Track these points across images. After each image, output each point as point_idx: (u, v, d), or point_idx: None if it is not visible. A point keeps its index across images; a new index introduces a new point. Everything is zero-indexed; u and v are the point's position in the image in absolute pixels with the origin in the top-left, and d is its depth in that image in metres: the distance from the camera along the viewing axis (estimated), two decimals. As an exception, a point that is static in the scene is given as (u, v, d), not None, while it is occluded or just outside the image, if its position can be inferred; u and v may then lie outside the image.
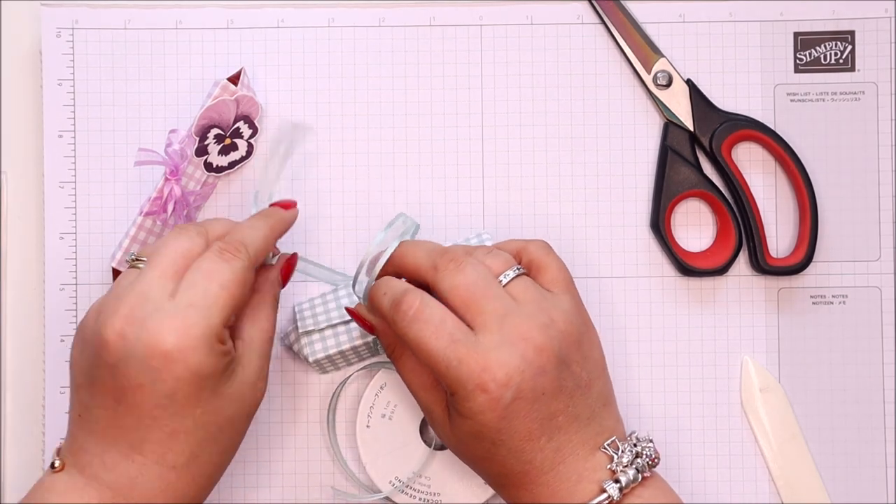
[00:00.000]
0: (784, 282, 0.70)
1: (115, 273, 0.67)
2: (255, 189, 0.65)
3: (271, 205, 0.64)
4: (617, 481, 0.56)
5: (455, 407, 0.57)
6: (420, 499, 0.68)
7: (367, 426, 0.68)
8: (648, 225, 0.70)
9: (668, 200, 0.69)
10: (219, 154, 0.68)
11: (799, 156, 0.69)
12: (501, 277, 0.59)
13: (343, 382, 0.69)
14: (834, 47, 0.71)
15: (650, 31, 0.70)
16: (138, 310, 0.56)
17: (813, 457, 0.70)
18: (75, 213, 0.69)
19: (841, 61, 0.71)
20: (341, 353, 0.66)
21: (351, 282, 0.67)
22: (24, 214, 0.70)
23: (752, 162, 0.71)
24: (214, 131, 0.67)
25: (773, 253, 0.70)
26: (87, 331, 0.57)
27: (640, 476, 0.57)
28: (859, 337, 0.70)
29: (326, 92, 0.70)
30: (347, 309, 0.64)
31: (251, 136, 0.69)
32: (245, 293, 0.59)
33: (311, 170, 0.70)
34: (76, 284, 0.69)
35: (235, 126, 0.67)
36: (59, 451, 0.58)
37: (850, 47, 0.71)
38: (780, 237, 0.71)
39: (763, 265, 0.68)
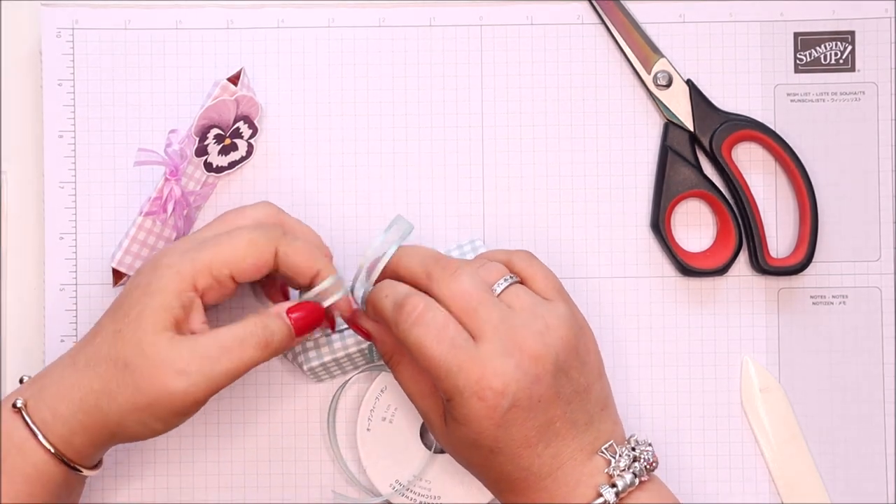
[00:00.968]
0: (784, 282, 0.70)
1: (115, 273, 0.67)
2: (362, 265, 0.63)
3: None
4: (613, 486, 0.56)
5: (451, 413, 0.57)
6: (420, 502, 0.68)
7: (368, 429, 0.68)
8: (648, 225, 0.70)
9: (668, 200, 0.69)
10: (219, 154, 0.68)
11: (799, 156, 0.69)
12: (495, 287, 0.59)
13: (343, 385, 0.69)
14: (834, 47, 0.71)
15: (650, 31, 0.70)
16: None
17: (813, 457, 0.70)
18: (75, 213, 0.69)
19: (841, 61, 0.71)
20: (336, 360, 0.66)
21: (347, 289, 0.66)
22: (24, 214, 0.70)
23: (752, 162, 0.71)
24: (214, 131, 0.67)
25: (773, 253, 0.70)
26: None
27: (637, 480, 0.57)
28: (859, 337, 0.70)
29: (326, 92, 0.70)
30: (344, 317, 0.63)
31: (251, 137, 0.69)
32: (251, 255, 0.59)
33: (311, 170, 0.70)
34: (76, 284, 0.69)
35: (235, 126, 0.67)
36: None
37: (850, 47, 0.71)
38: (780, 237, 0.71)
39: (763, 265, 0.68)
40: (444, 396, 0.58)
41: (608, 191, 0.70)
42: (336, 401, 0.69)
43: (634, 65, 0.70)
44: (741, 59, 0.71)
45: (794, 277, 0.70)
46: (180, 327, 0.58)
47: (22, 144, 0.70)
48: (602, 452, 0.58)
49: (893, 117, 0.70)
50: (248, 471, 0.69)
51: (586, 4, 0.71)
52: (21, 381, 0.62)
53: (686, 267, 0.69)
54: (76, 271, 0.69)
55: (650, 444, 0.59)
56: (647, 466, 0.58)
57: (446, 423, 0.59)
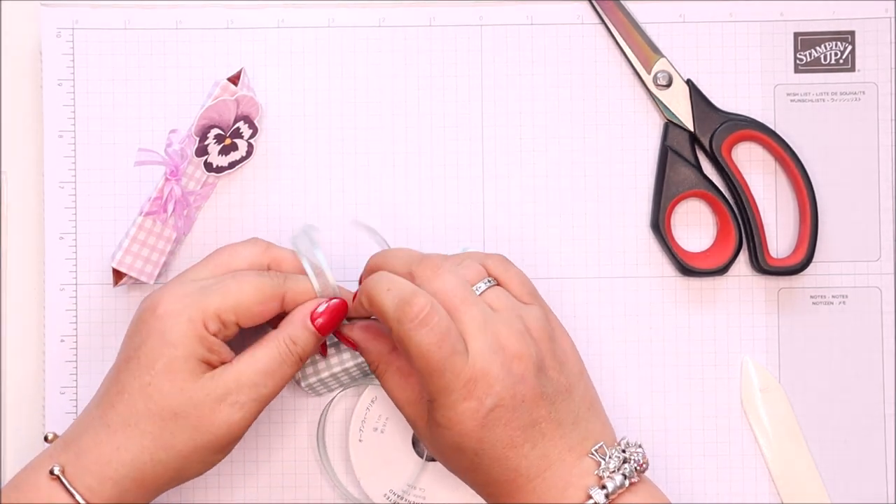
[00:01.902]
0: (784, 282, 0.70)
1: (115, 273, 0.67)
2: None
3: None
4: (603, 487, 0.56)
5: (434, 418, 0.57)
6: None
7: (360, 440, 0.68)
8: (648, 225, 0.70)
9: (668, 200, 0.69)
10: (219, 154, 0.68)
11: (799, 156, 0.69)
12: (475, 288, 0.59)
13: (331, 400, 0.69)
14: (834, 47, 0.71)
15: (650, 31, 0.70)
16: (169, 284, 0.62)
17: (813, 457, 0.70)
18: (75, 213, 0.69)
19: (841, 61, 0.71)
20: (333, 374, 0.66)
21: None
22: (24, 214, 0.70)
23: (752, 162, 0.71)
24: (214, 131, 0.67)
25: (773, 253, 0.70)
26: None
27: (627, 482, 0.57)
28: (859, 337, 0.70)
29: (326, 92, 0.70)
30: (335, 331, 0.63)
31: (251, 136, 0.69)
32: (258, 303, 0.60)
33: (311, 170, 0.70)
34: (76, 284, 0.69)
35: (235, 126, 0.67)
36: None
37: (850, 47, 0.71)
38: (780, 237, 0.71)
39: (763, 265, 0.68)
40: (428, 398, 0.58)
41: (608, 191, 0.70)
42: (325, 415, 0.69)
43: (634, 65, 0.70)
44: (741, 59, 0.71)
45: (794, 277, 0.70)
46: (212, 364, 0.60)
47: (22, 144, 0.70)
48: (592, 454, 0.57)
49: (893, 117, 0.70)
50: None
51: (586, 4, 0.71)
52: (46, 438, 0.62)
53: (686, 267, 0.69)
54: (76, 271, 0.69)
55: (640, 446, 0.58)
56: (638, 468, 0.58)
57: (431, 434, 0.59)
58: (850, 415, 0.70)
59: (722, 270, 0.69)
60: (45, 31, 0.69)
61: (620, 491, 0.56)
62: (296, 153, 0.70)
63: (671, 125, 0.70)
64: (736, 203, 0.69)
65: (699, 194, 0.70)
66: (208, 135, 0.67)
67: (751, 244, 0.69)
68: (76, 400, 0.69)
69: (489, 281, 0.60)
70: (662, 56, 0.70)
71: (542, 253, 0.70)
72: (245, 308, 0.60)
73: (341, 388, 0.68)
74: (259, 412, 0.60)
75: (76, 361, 0.69)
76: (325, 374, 0.66)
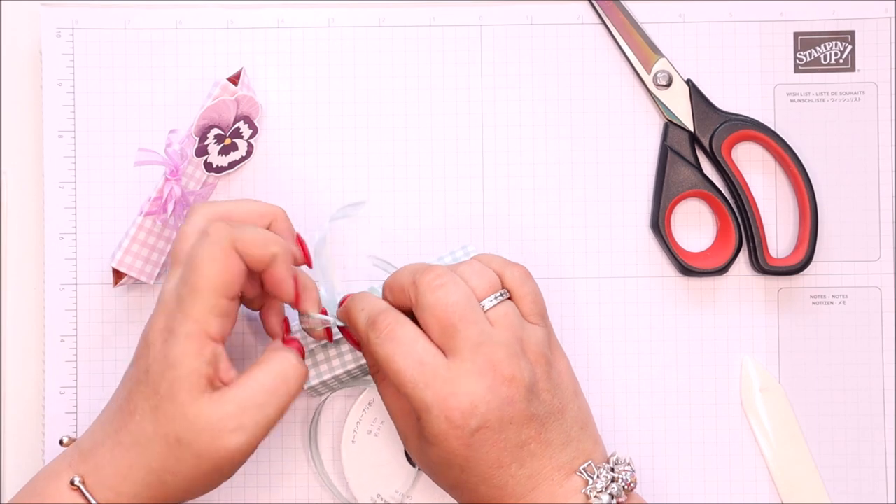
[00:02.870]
0: (784, 282, 0.70)
1: (115, 273, 0.67)
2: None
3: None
4: None
5: (422, 432, 0.57)
6: None
7: (353, 441, 0.68)
8: (648, 225, 0.70)
9: (668, 200, 0.69)
10: (219, 154, 0.68)
11: (799, 156, 0.69)
12: (484, 302, 0.58)
13: (324, 400, 0.69)
14: (834, 47, 0.71)
15: (650, 31, 0.70)
16: None
17: (813, 457, 0.70)
18: (75, 213, 0.69)
19: (841, 61, 0.71)
20: (335, 377, 0.66)
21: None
22: (24, 214, 0.70)
23: (752, 162, 0.71)
24: (214, 131, 0.67)
25: (773, 253, 0.70)
26: None
27: (614, 501, 0.56)
28: (859, 337, 0.70)
29: (326, 92, 0.70)
30: (340, 327, 0.63)
31: (251, 136, 0.69)
32: (228, 271, 0.57)
33: (311, 170, 0.70)
34: (76, 284, 0.69)
35: (235, 126, 0.67)
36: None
37: (850, 47, 0.71)
38: (780, 237, 0.71)
39: (763, 265, 0.68)
40: (415, 414, 0.58)
41: (608, 191, 0.70)
42: (318, 413, 0.69)
43: (634, 65, 0.70)
44: (741, 59, 0.71)
45: (794, 277, 0.70)
46: (213, 383, 0.57)
47: (22, 144, 0.70)
48: (580, 472, 0.57)
49: (893, 117, 0.70)
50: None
51: (586, 4, 0.71)
52: (62, 442, 0.62)
53: (686, 267, 0.69)
54: (76, 271, 0.69)
55: (629, 464, 0.58)
56: (626, 487, 0.57)
57: (420, 443, 0.58)
58: (850, 415, 0.70)
59: (722, 270, 0.69)
60: (45, 31, 0.69)
61: None
62: (296, 153, 0.70)
63: (671, 125, 0.70)
64: (736, 203, 0.69)
65: (699, 194, 0.70)
66: (208, 135, 0.67)
67: (751, 244, 0.69)
68: (76, 400, 0.69)
69: (500, 295, 0.59)
70: (662, 56, 0.70)
71: (542, 253, 0.70)
72: (219, 280, 0.57)
73: (341, 386, 0.68)
74: (264, 437, 0.58)
75: (76, 361, 0.69)
76: (327, 377, 0.66)
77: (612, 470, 0.58)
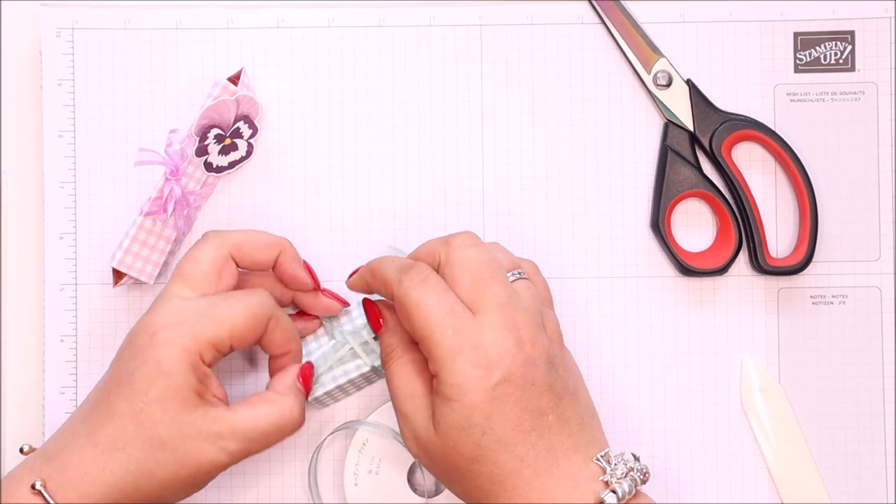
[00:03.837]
0: (784, 282, 0.70)
1: (115, 273, 0.67)
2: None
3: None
4: (614, 492, 0.55)
5: (441, 390, 0.56)
6: None
7: (356, 484, 0.68)
8: (648, 225, 0.70)
9: (668, 200, 0.69)
10: (219, 154, 0.68)
11: (799, 156, 0.69)
12: (508, 274, 0.59)
13: (320, 445, 0.68)
14: (834, 47, 0.71)
15: (650, 31, 0.70)
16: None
17: (813, 457, 0.70)
18: (75, 213, 0.69)
19: (841, 61, 0.71)
20: (339, 386, 0.66)
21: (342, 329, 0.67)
22: (24, 214, 0.70)
23: (752, 162, 0.71)
24: (214, 131, 0.67)
25: (773, 253, 0.70)
26: None
27: (634, 489, 0.56)
28: (859, 337, 0.70)
29: (326, 92, 0.70)
30: (366, 301, 0.63)
31: (251, 136, 0.69)
32: (251, 328, 0.60)
33: (311, 170, 0.70)
34: (76, 284, 0.69)
35: (235, 126, 0.67)
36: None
37: (850, 47, 0.71)
38: (780, 237, 0.71)
39: (763, 265, 0.68)
40: (435, 372, 0.57)
41: (608, 191, 0.70)
42: (315, 461, 0.68)
43: (634, 65, 0.70)
44: (741, 59, 0.71)
45: (794, 277, 0.70)
46: (204, 397, 0.59)
47: (22, 144, 0.70)
48: (598, 460, 0.57)
49: (893, 117, 0.70)
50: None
51: (586, 4, 0.71)
52: (22, 450, 0.62)
53: (686, 267, 0.69)
54: (76, 271, 0.69)
55: (639, 459, 0.58)
56: (641, 478, 0.57)
57: (434, 419, 0.57)
58: (850, 415, 0.70)
59: (722, 270, 0.69)
60: (45, 31, 0.69)
61: (628, 498, 0.56)
62: (296, 153, 0.70)
63: (671, 125, 0.70)
64: (736, 203, 0.69)
65: (699, 194, 0.70)
66: (208, 135, 0.67)
67: (751, 244, 0.69)
68: (76, 400, 0.69)
69: (520, 273, 0.60)
70: (662, 56, 0.70)
71: (542, 253, 0.70)
72: (240, 333, 0.60)
73: (345, 396, 0.68)
74: (239, 461, 0.60)
75: (76, 361, 0.69)
76: (331, 387, 0.65)
77: (626, 463, 0.57)
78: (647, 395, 0.70)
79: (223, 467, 0.59)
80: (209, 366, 0.60)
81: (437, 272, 0.59)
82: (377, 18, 0.70)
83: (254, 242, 0.63)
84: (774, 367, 0.70)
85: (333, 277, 0.69)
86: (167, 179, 0.65)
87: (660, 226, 0.69)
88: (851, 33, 0.71)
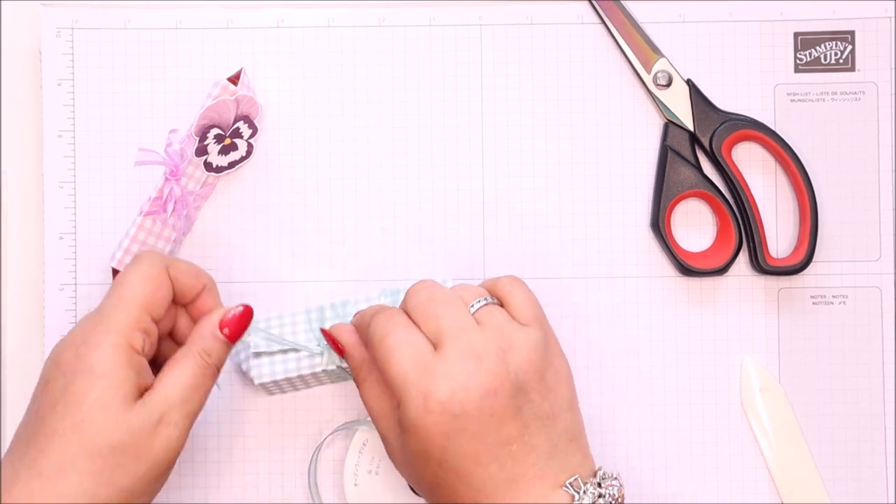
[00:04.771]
0: (784, 282, 0.70)
1: (115, 273, 0.67)
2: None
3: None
4: None
5: (401, 421, 0.57)
6: None
7: (356, 485, 0.68)
8: (648, 225, 0.70)
9: (668, 200, 0.69)
10: (219, 154, 0.68)
11: (799, 156, 0.69)
12: (471, 305, 0.59)
13: (319, 445, 0.68)
14: (834, 47, 0.71)
15: (650, 31, 0.70)
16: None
17: (813, 457, 0.70)
18: (75, 213, 0.69)
19: (841, 61, 0.71)
20: (288, 379, 0.66)
21: (308, 352, 0.66)
22: (24, 214, 0.70)
23: (752, 162, 0.71)
24: (214, 131, 0.67)
25: (773, 253, 0.70)
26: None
27: None
28: (859, 337, 0.70)
29: (326, 92, 0.70)
30: (322, 331, 0.64)
31: (251, 136, 0.69)
32: (157, 288, 0.59)
33: (311, 170, 0.70)
34: (76, 284, 0.69)
35: (235, 126, 0.67)
36: None
37: (850, 47, 0.71)
38: (780, 237, 0.71)
39: (763, 265, 0.68)
40: (397, 402, 0.57)
41: (608, 191, 0.70)
42: (315, 461, 0.68)
43: (634, 65, 0.70)
44: (741, 59, 0.71)
45: (794, 277, 0.70)
46: (140, 391, 0.58)
47: (22, 144, 0.70)
48: (567, 487, 0.56)
49: (893, 117, 0.70)
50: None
51: (586, 4, 0.71)
52: None
53: (686, 267, 0.69)
54: (76, 271, 0.69)
55: (617, 478, 0.57)
56: (613, 502, 0.56)
57: (399, 439, 0.58)
58: (850, 415, 0.70)
59: (722, 270, 0.69)
60: (45, 31, 0.69)
61: None
62: (296, 153, 0.70)
63: (671, 125, 0.70)
64: (736, 203, 0.69)
65: (699, 194, 0.70)
66: (208, 135, 0.67)
67: (751, 244, 0.69)
68: (76, 400, 0.69)
69: (486, 299, 0.60)
70: (662, 56, 0.70)
71: (542, 253, 0.70)
72: (150, 299, 0.59)
73: (293, 391, 0.68)
74: (190, 429, 0.59)
75: (76, 361, 0.69)
76: (279, 377, 0.65)
77: (600, 485, 0.56)
78: (647, 394, 0.70)
79: (178, 446, 0.58)
80: (145, 354, 0.59)
81: None
82: (377, 18, 0.70)
83: (182, 267, 0.62)
84: (774, 367, 0.70)
85: (333, 277, 0.69)
86: (167, 179, 0.65)
87: (660, 226, 0.69)
88: (851, 33, 0.71)
